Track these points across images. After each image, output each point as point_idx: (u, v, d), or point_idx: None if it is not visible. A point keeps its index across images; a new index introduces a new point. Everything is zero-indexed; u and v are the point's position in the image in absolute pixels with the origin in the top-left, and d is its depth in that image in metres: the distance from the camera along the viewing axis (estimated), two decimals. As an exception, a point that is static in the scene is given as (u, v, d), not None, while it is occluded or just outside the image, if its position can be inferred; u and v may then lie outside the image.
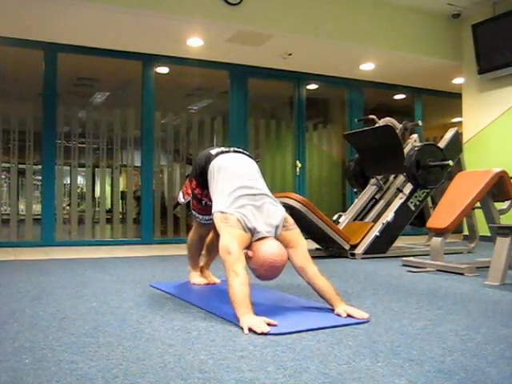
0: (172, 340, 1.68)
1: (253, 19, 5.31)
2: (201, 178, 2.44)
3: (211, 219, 2.34)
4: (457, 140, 5.02)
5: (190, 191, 2.60)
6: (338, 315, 2.03)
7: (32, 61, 5.74)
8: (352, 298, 2.47)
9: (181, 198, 2.72)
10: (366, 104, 7.33)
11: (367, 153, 4.95)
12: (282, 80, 6.98)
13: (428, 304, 2.33)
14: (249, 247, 2.12)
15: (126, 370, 1.38)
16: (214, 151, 2.42)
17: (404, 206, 4.54)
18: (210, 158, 2.39)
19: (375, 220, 4.69)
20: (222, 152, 2.41)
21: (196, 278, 2.88)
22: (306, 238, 5.11)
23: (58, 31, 5.29)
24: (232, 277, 1.99)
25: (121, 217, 6.58)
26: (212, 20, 5.17)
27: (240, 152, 2.47)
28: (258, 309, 2.19)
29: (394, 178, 5.01)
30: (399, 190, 4.66)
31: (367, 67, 6.68)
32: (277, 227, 2.15)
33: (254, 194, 2.20)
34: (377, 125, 4.99)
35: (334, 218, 4.84)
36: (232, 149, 2.46)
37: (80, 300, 2.39)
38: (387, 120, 4.97)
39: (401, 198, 4.58)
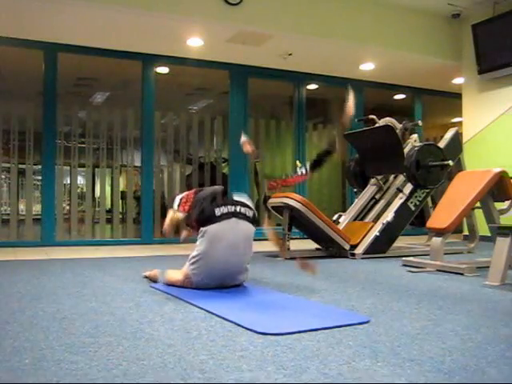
0: (172, 340, 1.68)
1: (253, 19, 5.31)
2: (195, 222, 2.62)
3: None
4: (457, 140, 5.02)
5: (186, 208, 2.75)
6: None
7: (32, 61, 5.74)
8: (352, 298, 2.47)
9: (175, 206, 2.83)
10: (365, 104, 7.32)
11: (367, 153, 4.95)
12: (282, 80, 6.98)
13: (428, 304, 2.33)
14: None
15: (126, 370, 1.38)
16: (218, 211, 2.55)
17: (404, 206, 4.54)
18: (211, 218, 2.54)
19: (375, 220, 4.69)
20: (224, 216, 2.55)
21: None
22: (306, 238, 5.11)
23: (58, 31, 5.29)
24: None
25: (121, 217, 6.58)
26: (212, 20, 5.18)
27: (240, 216, 2.59)
28: (259, 309, 2.19)
29: (394, 178, 5.01)
30: (399, 190, 4.66)
31: (367, 67, 6.68)
32: None
33: None
34: (377, 125, 4.99)
35: (334, 218, 4.84)
36: (233, 210, 2.58)
37: (80, 300, 2.39)
38: (387, 120, 4.97)
39: (401, 198, 4.57)
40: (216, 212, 2.53)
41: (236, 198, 2.70)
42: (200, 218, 2.57)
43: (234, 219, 2.55)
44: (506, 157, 5.83)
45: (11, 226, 5.56)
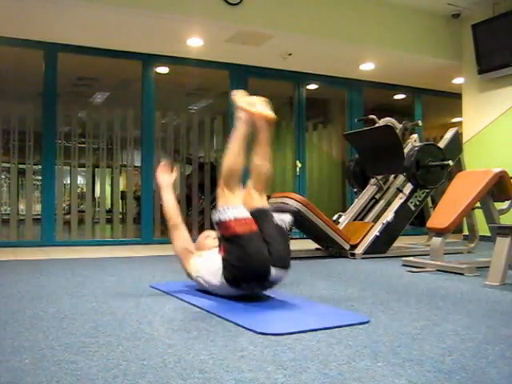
0: (172, 340, 1.68)
1: (253, 19, 5.31)
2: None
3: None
4: (457, 140, 5.02)
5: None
6: None
7: (32, 61, 5.74)
8: (352, 298, 2.48)
9: (215, 218, 2.33)
10: (365, 104, 7.33)
11: (367, 153, 4.95)
12: (282, 80, 6.98)
13: (428, 304, 2.33)
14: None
15: (126, 370, 1.38)
16: (246, 286, 2.27)
17: (404, 206, 4.54)
18: (235, 288, 2.28)
19: (375, 220, 4.69)
20: (253, 288, 2.32)
21: None
22: (306, 238, 5.11)
23: (58, 31, 5.29)
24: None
25: (121, 217, 6.58)
26: (212, 20, 5.17)
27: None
28: (259, 309, 2.19)
29: (394, 178, 5.01)
30: (399, 190, 4.66)
31: (367, 67, 6.68)
32: None
33: None
34: (377, 125, 4.99)
35: (334, 218, 4.83)
36: (263, 288, 2.35)
37: (80, 300, 2.39)
38: (387, 120, 4.97)
39: (401, 198, 4.57)
40: (242, 286, 2.27)
41: (276, 216, 2.36)
42: (225, 272, 2.27)
43: (258, 289, 2.36)
44: (506, 157, 5.82)
45: (11, 226, 5.56)
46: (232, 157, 2.36)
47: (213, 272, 2.35)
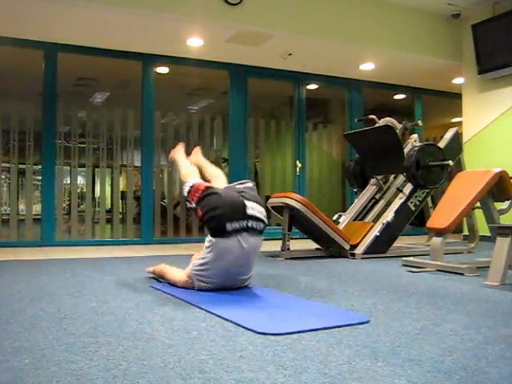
0: (172, 340, 1.68)
1: (253, 19, 5.31)
2: (201, 219, 2.54)
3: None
4: (457, 140, 5.02)
5: (194, 199, 2.57)
6: None
7: (32, 61, 5.74)
8: (352, 298, 2.48)
9: (185, 193, 2.65)
10: (365, 104, 7.33)
11: (367, 153, 4.95)
12: (282, 80, 6.98)
13: (428, 304, 2.33)
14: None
15: (126, 370, 1.38)
16: (229, 227, 2.42)
17: (404, 206, 4.54)
18: (221, 232, 2.43)
19: (375, 220, 4.69)
20: (234, 233, 2.43)
21: None
22: (306, 238, 5.10)
23: (58, 31, 5.29)
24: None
25: (121, 217, 6.58)
26: (212, 20, 5.17)
27: (251, 231, 2.49)
28: (259, 309, 2.19)
29: (394, 178, 5.01)
30: (399, 190, 4.66)
31: (367, 67, 6.69)
32: None
33: None
34: (377, 125, 4.99)
35: (334, 218, 4.84)
36: (245, 225, 2.46)
37: (80, 300, 2.39)
38: (387, 120, 4.97)
39: (401, 198, 4.57)
40: (227, 227, 2.42)
41: (239, 186, 2.66)
42: (209, 224, 2.49)
43: (244, 234, 2.45)
44: (506, 157, 5.83)
45: (11, 226, 5.55)
46: (182, 166, 2.95)
47: (202, 251, 2.54)
